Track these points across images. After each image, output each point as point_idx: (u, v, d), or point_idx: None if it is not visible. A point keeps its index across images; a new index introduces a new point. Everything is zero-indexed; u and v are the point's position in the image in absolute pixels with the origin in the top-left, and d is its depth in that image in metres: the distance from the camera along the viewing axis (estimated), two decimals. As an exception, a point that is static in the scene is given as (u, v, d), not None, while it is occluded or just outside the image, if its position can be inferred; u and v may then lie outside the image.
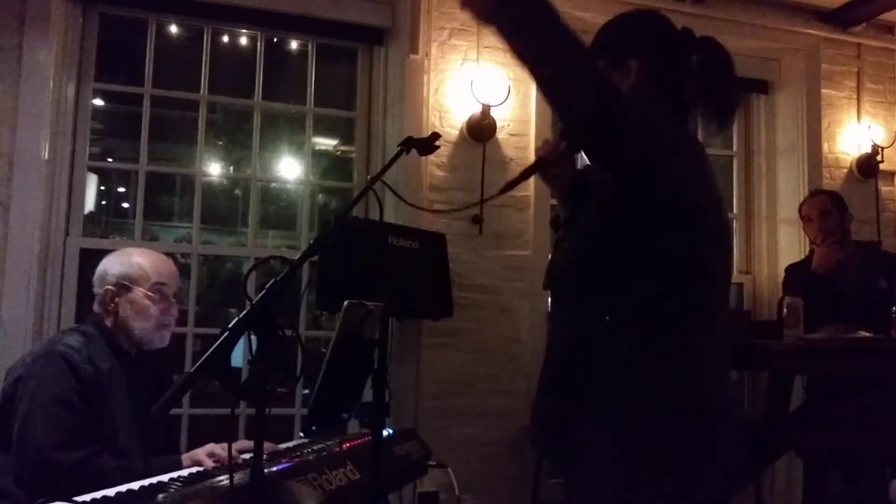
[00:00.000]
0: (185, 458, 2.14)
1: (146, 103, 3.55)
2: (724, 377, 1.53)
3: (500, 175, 3.59)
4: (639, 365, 1.39)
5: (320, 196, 4.50)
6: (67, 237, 3.30)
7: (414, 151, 1.90)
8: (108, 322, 2.22)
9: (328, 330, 3.97)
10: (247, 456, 2.04)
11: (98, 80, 3.46)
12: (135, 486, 1.75)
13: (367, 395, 1.94)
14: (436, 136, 1.91)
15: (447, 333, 3.54)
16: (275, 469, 1.78)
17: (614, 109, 1.29)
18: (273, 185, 5.08)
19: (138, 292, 2.21)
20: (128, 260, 2.25)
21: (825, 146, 4.35)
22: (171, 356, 4.04)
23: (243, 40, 3.91)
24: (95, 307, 2.25)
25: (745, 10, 4.22)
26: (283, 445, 2.27)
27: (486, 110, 3.60)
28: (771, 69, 4.47)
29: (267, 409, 1.38)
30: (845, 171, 4.38)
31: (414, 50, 3.63)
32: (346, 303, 1.76)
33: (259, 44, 3.75)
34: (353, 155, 3.91)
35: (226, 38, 3.89)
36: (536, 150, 1.78)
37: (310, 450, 2.12)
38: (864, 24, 4.45)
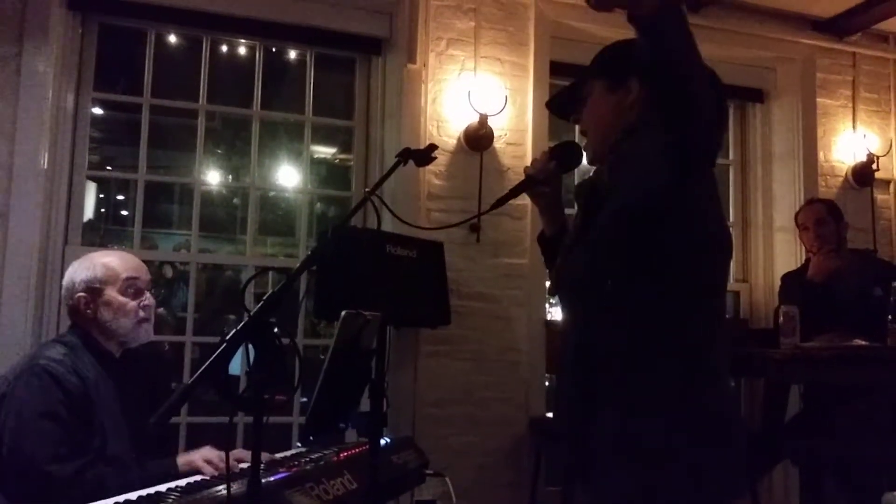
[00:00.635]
0: (181, 461, 2.13)
1: (145, 112, 3.56)
2: (729, 382, 1.56)
3: (498, 184, 3.60)
4: (654, 370, 1.42)
5: (319, 204, 4.52)
6: (66, 246, 3.31)
7: (411, 161, 1.91)
8: (89, 328, 2.18)
9: (327, 338, 3.98)
10: (244, 465, 2.03)
11: (97, 89, 3.48)
12: (132, 496, 1.76)
13: (365, 404, 1.95)
14: (432, 147, 1.92)
15: (445, 342, 3.55)
16: (272, 479, 1.79)
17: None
18: (272, 193, 5.10)
19: (111, 292, 2.17)
20: (92, 263, 2.20)
21: (821, 154, 4.37)
22: (165, 362, 4.06)
23: (242, 50, 3.93)
24: (71, 317, 2.21)
25: (740, 19, 4.24)
26: (281, 455, 2.27)
27: (483, 120, 3.62)
28: (767, 78, 4.49)
29: (265, 418, 1.38)
30: (841, 179, 4.41)
31: (412, 60, 3.65)
32: (343, 313, 1.77)
33: (258, 53, 3.77)
34: (352, 163, 3.93)
35: (224, 48, 3.91)
36: (525, 168, 1.81)
37: (307, 459, 2.12)
38: (859, 34, 4.48)
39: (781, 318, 3.01)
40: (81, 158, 3.41)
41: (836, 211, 3.60)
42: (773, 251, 4.39)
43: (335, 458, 2.11)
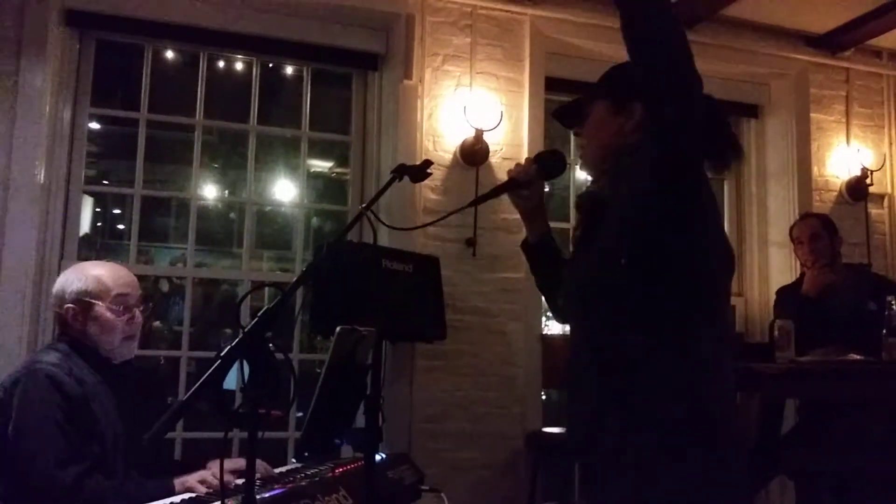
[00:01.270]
0: (178, 484, 2.12)
1: (142, 127, 3.57)
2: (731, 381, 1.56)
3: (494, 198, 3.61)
4: (656, 372, 1.43)
5: (315, 218, 4.53)
6: (62, 260, 3.31)
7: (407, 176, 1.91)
8: (79, 337, 2.15)
9: (323, 352, 3.97)
10: (240, 480, 2.03)
11: (94, 104, 3.50)
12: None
13: (360, 419, 1.95)
14: (428, 163, 1.92)
15: (441, 356, 3.55)
16: (267, 496, 1.79)
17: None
18: (268, 208, 5.11)
19: (100, 307, 2.14)
20: (84, 274, 2.17)
21: (815, 169, 4.40)
22: (160, 376, 4.05)
23: (239, 65, 3.95)
24: (58, 327, 2.19)
25: (734, 35, 4.27)
26: (277, 470, 2.27)
27: (479, 135, 3.64)
28: (761, 93, 4.53)
29: (259, 434, 1.38)
30: (835, 193, 4.43)
31: (408, 76, 3.67)
32: (338, 329, 1.77)
33: (255, 69, 3.78)
34: (348, 177, 3.94)
35: (221, 63, 3.93)
36: (508, 171, 1.83)
37: (303, 475, 2.12)
38: (852, 50, 4.52)
39: (776, 333, 3.02)
40: (78, 173, 3.42)
41: (831, 225, 3.62)
42: (767, 265, 4.41)
43: (331, 474, 2.11)
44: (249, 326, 1.35)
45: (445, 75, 3.74)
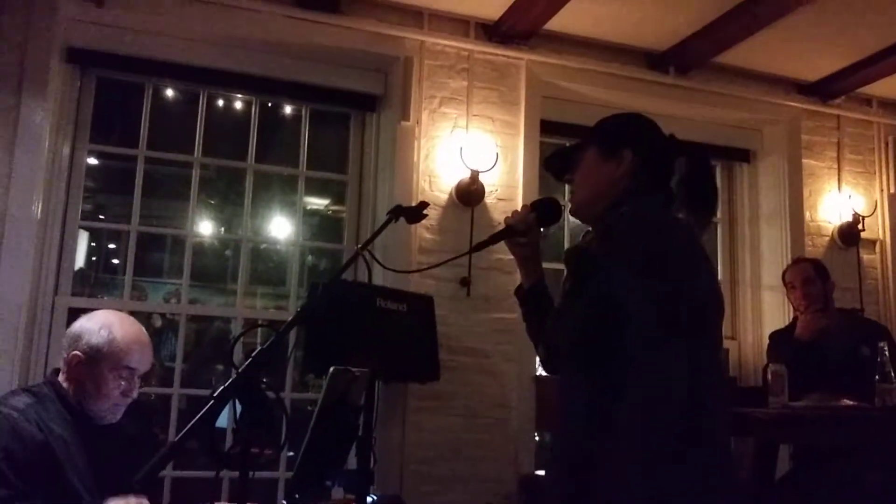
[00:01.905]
0: None
1: (140, 164, 3.59)
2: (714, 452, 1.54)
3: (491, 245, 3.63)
4: (654, 429, 1.40)
5: (310, 256, 4.53)
6: (56, 296, 3.30)
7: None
8: (66, 385, 2.13)
9: (316, 390, 3.95)
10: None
11: (93, 140, 3.51)
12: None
13: (352, 461, 1.94)
14: (424, 204, 1.94)
15: (434, 397, 3.54)
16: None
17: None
18: (263, 245, 5.11)
19: (105, 370, 2.11)
20: (107, 333, 2.14)
21: (807, 214, 4.44)
22: (150, 415, 4.00)
23: (238, 104, 3.99)
24: (61, 365, 2.17)
25: (727, 81, 4.34)
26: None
27: (474, 176, 3.67)
28: (753, 139, 4.58)
29: (251, 474, 1.38)
30: (827, 238, 4.46)
31: (405, 117, 3.71)
32: (331, 369, 1.77)
33: (254, 108, 3.82)
34: (345, 215, 3.96)
35: (221, 102, 3.97)
36: (506, 218, 1.85)
37: (293, 517, 2.09)
38: (843, 97, 4.59)
39: (769, 377, 3.01)
40: (75, 208, 3.43)
41: (823, 270, 3.63)
42: (761, 309, 4.42)
43: (321, 516, 2.09)
44: (243, 367, 1.35)
45: (442, 117, 3.78)
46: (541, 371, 3.87)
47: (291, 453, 3.47)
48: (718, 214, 4.59)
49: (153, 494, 2.43)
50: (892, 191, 4.64)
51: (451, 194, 3.72)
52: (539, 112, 3.96)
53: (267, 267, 5.72)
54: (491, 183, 3.76)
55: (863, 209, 4.49)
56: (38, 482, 1.95)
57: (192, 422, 1.29)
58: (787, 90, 4.52)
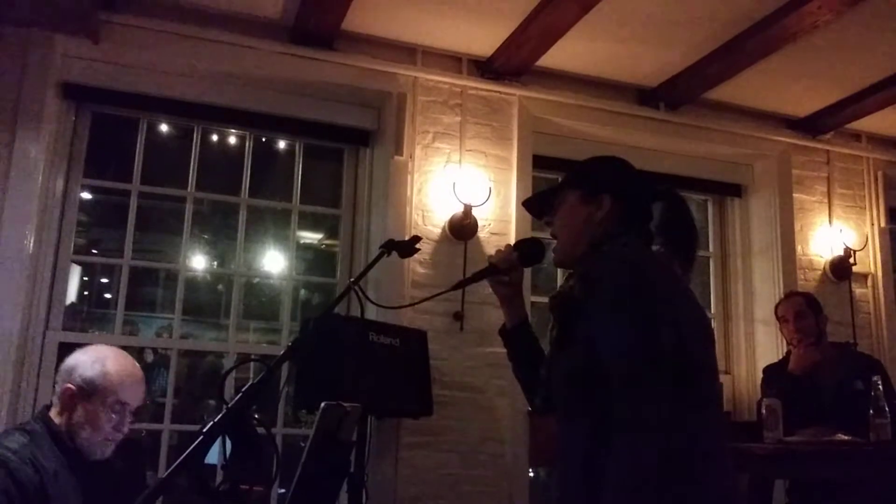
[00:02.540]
0: None
1: (133, 199, 3.59)
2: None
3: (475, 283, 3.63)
4: (633, 471, 1.39)
5: (303, 290, 4.52)
6: (47, 331, 3.28)
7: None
8: (58, 420, 2.14)
9: (308, 426, 3.91)
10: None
11: (87, 174, 3.51)
12: None
13: (344, 498, 1.92)
14: (416, 239, 1.96)
15: (427, 432, 3.50)
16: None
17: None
18: (256, 279, 5.10)
19: (97, 404, 2.12)
20: (100, 367, 2.16)
21: (799, 248, 4.45)
22: (141, 451, 3.95)
23: (232, 139, 4.01)
24: (54, 399, 2.17)
25: (717, 117, 4.39)
26: (256, 550, 2.21)
27: (467, 210, 3.69)
28: (744, 173, 4.62)
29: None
30: (819, 272, 4.48)
31: (399, 151, 3.73)
32: (322, 404, 1.76)
33: (247, 143, 3.84)
34: (338, 249, 3.96)
35: (215, 137, 3.99)
36: (489, 256, 1.87)
37: (283, 555, 2.07)
38: (832, 133, 4.64)
39: (764, 412, 3.00)
40: (67, 242, 3.42)
41: (816, 304, 3.64)
42: (754, 343, 4.42)
43: (311, 555, 2.06)
44: (233, 402, 1.34)
45: (435, 152, 3.81)
46: (534, 406, 3.85)
47: (282, 490, 3.43)
48: (710, 249, 4.62)
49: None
50: (882, 225, 4.67)
51: (444, 228, 3.73)
52: (531, 147, 3.99)
53: (260, 301, 5.70)
54: (484, 217, 3.78)
55: (854, 243, 4.51)
56: None
57: (181, 458, 1.28)
58: (776, 125, 4.57)
